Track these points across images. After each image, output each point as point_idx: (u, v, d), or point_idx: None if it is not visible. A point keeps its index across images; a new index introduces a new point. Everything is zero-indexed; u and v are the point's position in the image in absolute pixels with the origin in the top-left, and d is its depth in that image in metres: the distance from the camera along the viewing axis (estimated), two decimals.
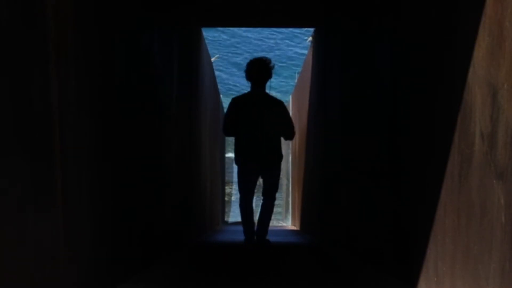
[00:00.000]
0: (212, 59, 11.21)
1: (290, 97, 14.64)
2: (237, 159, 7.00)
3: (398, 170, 3.90)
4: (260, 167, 6.91)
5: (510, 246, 2.25)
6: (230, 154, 14.43)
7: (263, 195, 7.09)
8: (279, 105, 6.98)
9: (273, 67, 7.03)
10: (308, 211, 9.46)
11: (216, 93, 12.65)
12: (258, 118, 6.82)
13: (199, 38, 8.18)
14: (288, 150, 14.04)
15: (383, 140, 4.32)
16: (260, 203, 7.19)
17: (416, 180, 3.51)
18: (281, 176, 7.52)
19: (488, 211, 2.46)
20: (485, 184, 2.49)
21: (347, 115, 5.75)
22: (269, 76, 6.97)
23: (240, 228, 7.66)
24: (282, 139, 7.17)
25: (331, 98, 6.80)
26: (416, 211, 3.51)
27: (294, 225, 12.38)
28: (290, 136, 7.12)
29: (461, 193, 2.77)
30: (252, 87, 6.99)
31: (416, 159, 3.51)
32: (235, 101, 6.99)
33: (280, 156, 6.96)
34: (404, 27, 3.83)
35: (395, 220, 3.98)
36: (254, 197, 7.31)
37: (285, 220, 15.85)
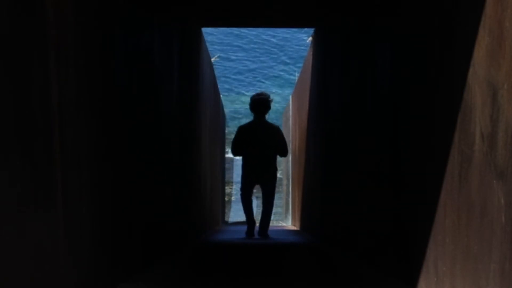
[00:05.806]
0: (212, 59, 11.21)
1: (290, 97, 14.64)
2: (243, 170, 8.83)
3: (398, 169, 3.90)
4: (259, 178, 8.72)
5: (510, 246, 2.25)
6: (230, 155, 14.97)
7: (262, 202, 8.86)
8: (276, 130, 8.76)
9: (271, 101, 8.75)
10: (308, 211, 9.46)
11: (216, 93, 12.64)
12: (259, 141, 8.55)
13: (199, 38, 8.18)
14: (288, 150, 14.00)
15: (384, 139, 4.32)
16: (261, 207, 8.92)
17: (416, 180, 3.51)
18: (281, 176, 8.87)
19: (488, 211, 2.46)
20: (485, 184, 2.49)
21: (347, 115, 5.75)
22: (268, 109, 8.69)
23: (240, 228, 8.67)
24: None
25: (331, 98, 6.80)
26: (416, 211, 3.51)
27: (294, 225, 12.37)
28: (284, 154, 8.86)
29: (461, 193, 2.77)
30: (254, 116, 8.72)
31: (416, 159, 3.51)
32: (242, 129, 8.79)
33: (275, 170, 8.81)
34: (404, 26, 3.83)
35: (395, 220, 3.98)
36: (255, 201, 9.19)
37: (285, 220, 15.83)
